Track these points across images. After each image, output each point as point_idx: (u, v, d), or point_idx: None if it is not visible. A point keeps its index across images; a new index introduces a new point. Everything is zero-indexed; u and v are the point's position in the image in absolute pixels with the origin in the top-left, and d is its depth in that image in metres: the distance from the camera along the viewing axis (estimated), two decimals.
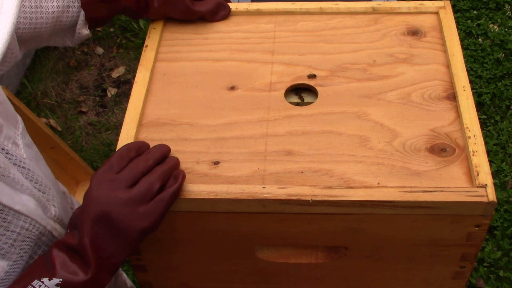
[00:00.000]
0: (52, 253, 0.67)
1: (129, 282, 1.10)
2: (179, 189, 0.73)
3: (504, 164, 1.78)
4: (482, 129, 0.89)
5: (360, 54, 0.92)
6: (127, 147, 0.75)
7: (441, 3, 0.97)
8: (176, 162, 0.76)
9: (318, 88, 0.87)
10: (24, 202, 0.70)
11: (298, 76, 0.89)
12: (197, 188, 0.75)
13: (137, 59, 2.10)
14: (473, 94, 1.65)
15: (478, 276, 1.55)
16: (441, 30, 0.93)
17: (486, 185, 0.73)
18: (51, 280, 0.65)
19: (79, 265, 0.67)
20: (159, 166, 0.74)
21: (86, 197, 0.71)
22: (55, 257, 0.67)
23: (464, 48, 2.06)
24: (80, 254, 0.67)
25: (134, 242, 0.70)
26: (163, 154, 0.76)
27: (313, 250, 0.84)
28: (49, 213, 0.75)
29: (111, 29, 2.23)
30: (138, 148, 0.75)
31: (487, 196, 0.72)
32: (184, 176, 0.75)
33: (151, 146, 0.77)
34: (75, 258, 0.67)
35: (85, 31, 0.92)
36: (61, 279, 0.65)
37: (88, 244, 0.67)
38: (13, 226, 0.68)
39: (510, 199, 1.69)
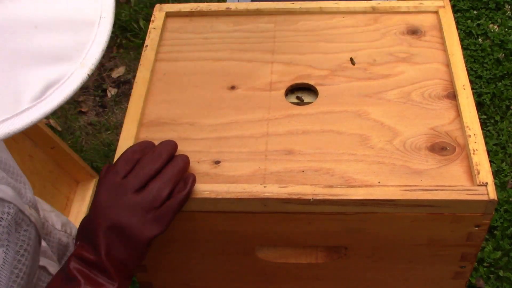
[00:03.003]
0: (70, 266, 0.67)
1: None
2: (189, 194, 0.72)
3: (504, 164, 1.77)
4: (482, 129, 0.89)
5: (360, 53, 0.92)
6: (132, 149, 0.74)
7: (440, 2, 0.97)
8: (185, 162, 0.75)
9: (318, 88, 0.88)
10: (4, 190, 0.71)
11: (298, 75, 0.89)
12: (198, 188, 0.75)
13: (137, 59, 2.10)
14: (473, 94, 1.65)
15: (478, 276, 1.55)
16: (440, 29, 0.94)
17: (486, 183, 0.73)
18: None
19: (101, 277, 0.67)
20: (167, 168, 0.72)
21: (94, 206, 0.70)
22: (74, 270, 0.67)
23: (464, 48, 2.06)
24: (99, 267, 0.67)
25: (144, 249, 0.70)
26: (170, 153, 0.74)
27: (313, 250, 0.84)
28: (24, 198, 0.76)
29: None
30: (143, 149, 0.74)
31: (487, 194, 0.72)
32: (194, 180, 0.73)
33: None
34: (95, 271, 0.67)
35: None
36: None
37: (104, 256, 0.67)
38: (0, 213, 0.69)
39: (510, 199, 1.69)
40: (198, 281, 0.91)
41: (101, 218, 0.69)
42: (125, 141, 0.81)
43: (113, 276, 0.67)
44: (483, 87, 1.97)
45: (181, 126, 0.84)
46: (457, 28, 0.93)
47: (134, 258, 0.69)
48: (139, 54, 0.93)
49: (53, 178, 1.54)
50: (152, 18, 0.99)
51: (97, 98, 2.04)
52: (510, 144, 1.83)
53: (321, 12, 0.98)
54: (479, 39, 2.11)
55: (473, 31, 2.14)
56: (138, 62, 0.93)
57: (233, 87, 0.89)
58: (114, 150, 0.81)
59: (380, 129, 0.81)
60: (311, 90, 0.89)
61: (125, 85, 2.08)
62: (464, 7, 2.21)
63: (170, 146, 0.75)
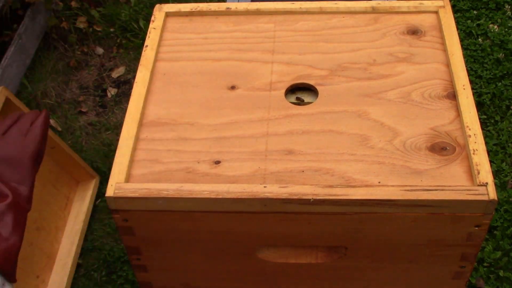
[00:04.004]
0: None
1: None
2: (46, 114, 0.81)
3: (504, 164, 1.77)
4: (482, 129, 0.89)
5: (360, 53, 0.92)
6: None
7: (440, 3, 0.97)
8: (44, 113, 0.82)
9: (318, 88, 0.87)
10: None
11: (298, 75, 0.89)
12: (198, 188, 0.75)
13: (137, 59, 2.10)
14: (473, 94, 1.65)
15: (478, 276, 1.55)
16: (440, 29, 0.93)
17: (486, 183, 0.73)
18: None
19: None
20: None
21: None
22: None
23: (464, 48, 2.06)
24: None
25: (30, 168, 0.80)
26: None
27: (313, 250, 0.84)
28: None
29: (111, 29, 2.23)
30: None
31: (488, 194, 0.72)
32: (45, 112, 0.82)
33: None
34: None
35: None
36: None
37: None
38: None
39: (510, 199, 1.69)
40: (198, 281, 0.91)
41: None
42: (125, 141, 0.81)
43: (6, 192, 0.75)
44: (483, 87, 1.97)
45: (181, 126, 0.84)
46: (457, 28, 0.93)
47: (21, 177, 0.79)
48: (139, 54, 0.93)
49: (53, 178, 1.54)
50: (152, 18, 0.99)
51: (97, 98, 2.04)
52: (510, 144, 1.83)
53: (321, 12, 0.98)
54: (479, 39, 2.11)
55: (473, 31, 2.14)
56: (138, 62, 0.93)
57: (233, 87, 0.89)
58: (114, 150, 0.81)
59: (380, 129, 0.81)
60: (311, 90, 0.89)
61: (125, 85, 2.07)
62: (464, 7, 2.21)
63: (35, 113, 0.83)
